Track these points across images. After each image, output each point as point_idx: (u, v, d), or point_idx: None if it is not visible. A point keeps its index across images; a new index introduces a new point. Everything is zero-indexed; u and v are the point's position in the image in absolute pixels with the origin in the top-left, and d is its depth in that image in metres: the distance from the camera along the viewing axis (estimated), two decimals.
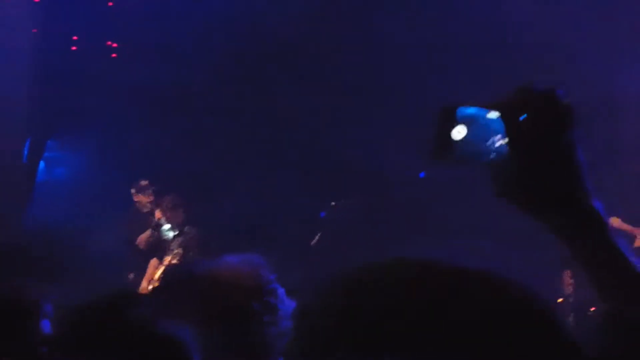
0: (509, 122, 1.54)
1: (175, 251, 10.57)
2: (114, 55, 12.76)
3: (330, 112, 12.54)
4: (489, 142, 1.57)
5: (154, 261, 10.47)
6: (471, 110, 1.58)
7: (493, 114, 1.56)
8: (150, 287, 9.91)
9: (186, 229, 10.69)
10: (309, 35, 12.72)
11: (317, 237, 11.27)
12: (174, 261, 10.34)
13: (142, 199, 10.92)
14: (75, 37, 12.49)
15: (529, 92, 1.55)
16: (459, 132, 1.57)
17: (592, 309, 9.70)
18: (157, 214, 10.78)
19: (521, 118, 1.54)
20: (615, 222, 11.32)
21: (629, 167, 12.56)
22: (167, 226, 10.64)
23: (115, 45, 12.79)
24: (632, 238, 11.73)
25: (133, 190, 10.95)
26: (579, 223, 1.57)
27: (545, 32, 12.17)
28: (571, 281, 10.46)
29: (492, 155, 1.57)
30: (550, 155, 1.55)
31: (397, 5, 12.76)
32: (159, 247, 10.67)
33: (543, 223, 1.59)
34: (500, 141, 1.56)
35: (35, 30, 11.93)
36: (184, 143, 12.51)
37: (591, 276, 1.58)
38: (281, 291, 2.66)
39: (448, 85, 10.83)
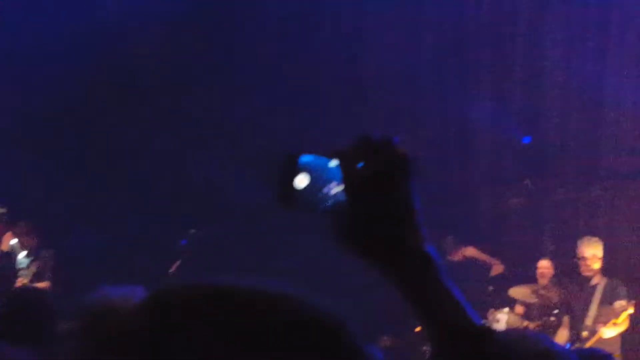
0: (345, 170, 1.59)
1: (29, 276, 10.55)
2: None
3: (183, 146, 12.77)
4: (328, 190, 1.62)
5: None
6: (312, 158, 1.63)
7: (333, 162, 1.61)
8: None
9: (41, 253, 10.75)
10: (149, 68, 12.80)
11: (176, 265, 11.42)
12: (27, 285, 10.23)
13: None
14: None
15: (366, 140, 1.59)
16: (300, 181, 1.62)
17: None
18: (7, 238, 10.74)
19: (358, 166, 1.58)
20: (470, 251, 11.75)
21: (484, 203, 13.62)
22: (22, 252, 10.60)
23: None
24: (489, 267, 12.49)
25: None
26: (411, 268, 1.60)
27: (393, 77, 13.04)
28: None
29: (331, 202, 1.62)
30: (385, 203, 1.58)
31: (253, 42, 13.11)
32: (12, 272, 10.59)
33: (377, 268, 1.61)
34: (337, 188, 1.61)
35: None
36: (40, 168, 12.40)
37: (422, 322, 1.62)
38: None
39: (296, 132, 11.38)
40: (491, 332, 1.64)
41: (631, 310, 10.02)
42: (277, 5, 13.62)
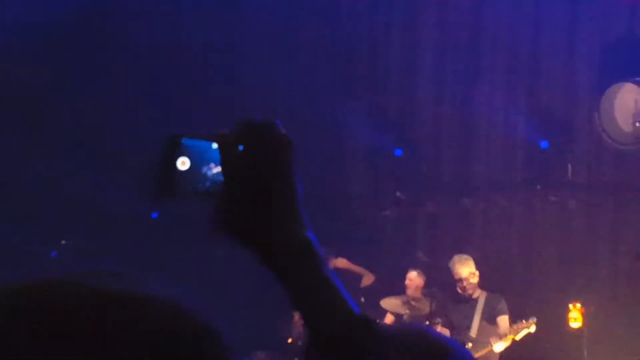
0: (225, 153, 1.55)
1: None
2: None
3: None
4: (207, 172, 1.59)
5: None
6: (194, 142, 1.59)
7: (214, 145, 1.58)
8: None
9: None
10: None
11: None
12: None
13: None
14: None
15: (246, 123, 1.56)
16: (182, 164, 1.59)
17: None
18: None
19: (239, 149, 1.54)
20: (342, 262, 11.84)
21: (358, 214, 13.69)
22: None
23: None
24: (360, 278, 12.49)
25: None
26: (289, 253, 1.55)
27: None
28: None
29: (210, 185, 1.59)
30: (265, 186, 1.54)
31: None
32: None
33: (256, 253, 1.55)
34: (217, 171, 1.57)
35: None
36: None
37: (299, 309, 1.57)
38: None
39: (168, 118, 11.38)
40: (372, 320, 1.59)
41: (533, 329, 10.14)
42: None
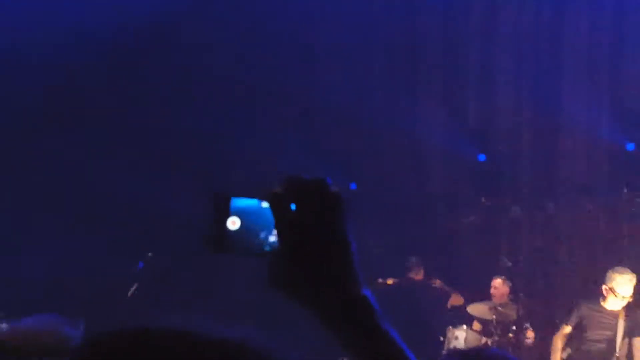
0: (277, 213, 1.54)
1: None
2: None
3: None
4: (262, 234, 1.58)
5: None
6: (244, 201, 1.60)
7: (265, 205, 1.57)
8: None
9: None
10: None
11: (134, 288, 11.21)
12: None
13: None
14: None
15: (297, 181, 1.55)
16: (233, 223, 1.59)
17: None
18: None
19: (292, 208, 1.53)
20: (438, 282, 11.55)
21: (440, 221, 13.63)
22: None
23: None
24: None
25: None
26: (347, 313, 1.55)
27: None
28: None
29: (265, 246, 1.58)
30: (320, 245, 1.53)
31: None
32: None
33: (315, 313, 1.55)
34: (270, 231, 1.57)
35: None
36: None
37: None
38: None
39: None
40: None
41: None
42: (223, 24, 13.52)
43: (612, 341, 9.72)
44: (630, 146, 12.56)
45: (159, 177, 12.28)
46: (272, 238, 1.57)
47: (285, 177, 1.56)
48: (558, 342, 9.94)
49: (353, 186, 13.97)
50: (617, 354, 9.71)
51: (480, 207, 13.60)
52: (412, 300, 11.83)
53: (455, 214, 13.77)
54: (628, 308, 9.74)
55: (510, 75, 13.39)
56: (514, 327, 10.92)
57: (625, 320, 9.73)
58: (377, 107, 13.37)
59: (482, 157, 13.53)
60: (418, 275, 12.45)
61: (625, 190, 12.68)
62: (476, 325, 11.54)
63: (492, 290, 11.48)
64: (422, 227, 13.67)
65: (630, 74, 12.66)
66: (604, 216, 12.96)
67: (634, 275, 9.68)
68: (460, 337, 11.13)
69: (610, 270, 9.77)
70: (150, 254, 11.53)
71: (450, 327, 11.29)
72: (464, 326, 11.38)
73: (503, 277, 11.57)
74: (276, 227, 1.55)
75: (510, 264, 11.88)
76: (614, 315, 9.74)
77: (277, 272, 1.55)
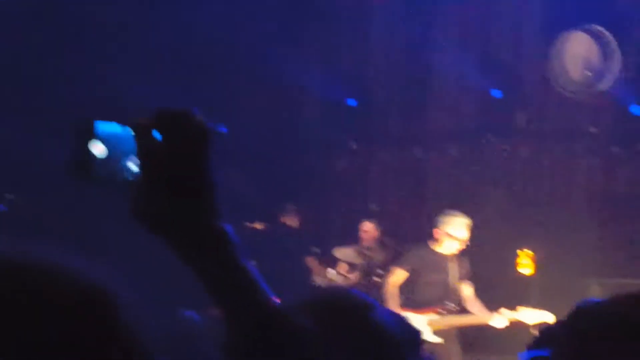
0: (141, 141, 1.53)
1: None
2: None
3: None
4: (126, 161, 1.55)
5: None
6: (109, 126, 1.56)
7: (129, 132, 1.55)
8: None
9: None
10: None
11: None
12: None
13: None
14: None
15: (163, 111, 1.54)
16: (97, 148, 1.55)
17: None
18: None
19: (156, 137, 1.52)
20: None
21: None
22: None
23: None
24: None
25: None
26: (204, 245, 1.55)
27: None
28: None
29: (128, 175, 1.56)
30: (181, 176, 1.53)
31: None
32: None
33: (170, 244, 1.56)
34: (133, 160, 1.55)
35: None
36: None
37: (215, 301, 1.57)
38: None
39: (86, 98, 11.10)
40: (287, 312, 1.62)
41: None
42: None
43: (445, 284, 9.90)
44: (496, 93, 12.83)
45: (17, 115, 12.02)
46: (135, 166, 1.55)
47: (152, 107, 1.54)
48: (392, 287, 10.04)
49: (223, 129, 13.92)
50: (451, 297, 9.91)
51: (351, 152, 13.76)
52: (281, 246, 11.97)
53: (326, 159, 13.88)
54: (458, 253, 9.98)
55: (382, 22, 13.49)
56: (381, 271, 11.11)
57: (456, 264, 9.98)
58: (252, 50, 13.32)
59: (352, 102, 13.64)
60: (293, 222, 12.56)
61: (489, 136, 13.00)
62: (342, 268, 11.69)
63: (361, 234, 11.62)
64: (294, 171, 13.76)
65: (497, 23, 12.91)
66: (469, 160, 13.24)
67: (468, 218, 9.89)
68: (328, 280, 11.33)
69: (442, 214, 9.95)
70: (10, 196, 11.33)
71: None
72: (330, 270, 11.53)
73: (372, 220, 11.73)
74: (139, 156, 1.54)
75: (378, 208, 12.09)
76: (447, 259, 9.93)
77: (137, 202, 1.54)
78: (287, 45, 13.42)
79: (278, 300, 1.62)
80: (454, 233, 9.78)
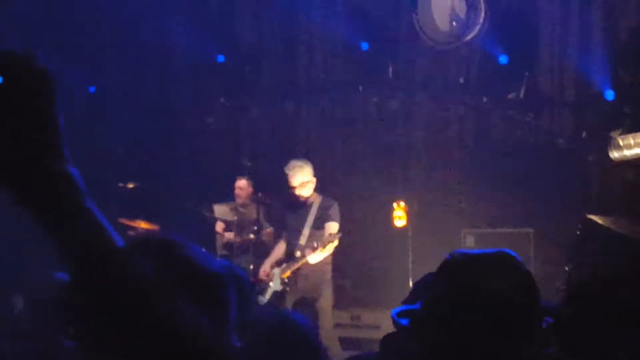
0: None
1: None
2: None
3: None
4: None
5: None
6: None
7: None
8: None
9: None
10: None
11: None
12: None
13: None
14: None
15: (4, 54, 1.50)
16: None
17: None
18: None
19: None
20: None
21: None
22: None
23: None
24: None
25: None
26: (49, 189, 1.53)
27: None
28: None
29: None
30: (24, 120, 1.49)
31: None
32: None
33: (15, 190, 1.51)
34: None
35: None
36: None
37: (61, 245, 1.55)
38: None
39: None
40: (128, 253, 1.62)
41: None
42: None
43: (300, 226, 10.28)
44: (365, 45, 12.85)
45: None
46: None
47: None
48: (278, 247, 10.63)
49: (92, 89, 13.69)
50: (300, 240, 10.21)
51: (221, 108, 13.66)
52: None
53: (197, 115, 13.75)
54: (322, 198, 10.34)
55: None
56: (255, 228, 11.13)
57: (317, 207, 10.26)
58: (120, 5, 13.04)
59: (221, 58, 13.51)
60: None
61: (360, 88, 13.05)
62: (219, 226, 11.66)
63: (236, 191, 11.60)
64: (165, 128, 13.60)
65: None
66: (339, 113, 13.28)
67: (303, 162, 10.34)
68: None
69: (284, 168, 10.36)
70: None
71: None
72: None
73: (246, 177, 11.70)
74: None
75: (250, 164, 12.03)
76: (306, 205, 10.32)
77: None
78: (154, 2, 13.20)
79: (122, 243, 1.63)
80: (291, 181, 10.21)
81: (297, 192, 10.24)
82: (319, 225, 10.24)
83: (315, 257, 9.94)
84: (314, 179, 10.35)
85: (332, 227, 10.11)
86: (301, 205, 10.32)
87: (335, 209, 10.28)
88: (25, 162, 1.51)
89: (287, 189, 10.29)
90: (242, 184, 11.60)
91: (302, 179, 10.23)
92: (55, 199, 1.54)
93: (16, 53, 1.51)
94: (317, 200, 10.34)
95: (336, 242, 9.86)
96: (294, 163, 10.32)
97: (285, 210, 10.53)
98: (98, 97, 13.67)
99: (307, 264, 9.99)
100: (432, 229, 11.55)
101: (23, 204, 1.53)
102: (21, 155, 1.50)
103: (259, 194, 11.30)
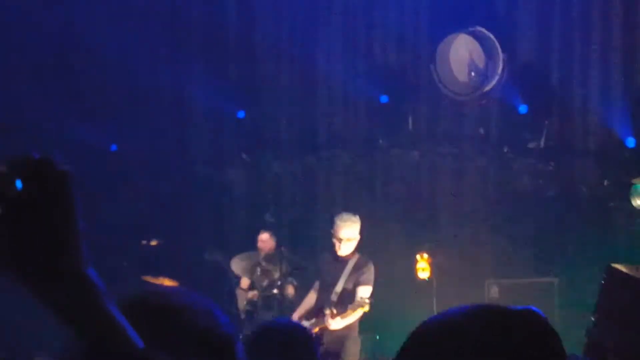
0: (2, 191, 1.48)
1: None
2: None
3: None
4: None
5: None
6: None
7: None
8: None
9: None
10: None
11: None
12: None
13: None
14: None
15: (21, 160, 1.51)
16: None
17: None
18: None
19: (18, 186, 1.49)
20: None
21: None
22: None
23: None
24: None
25: None
26: (68, 293, 1.53)
27: None
28: None
29: None
30: (44, 223, 1.50)
31: None
32: None
33: (34, 293, 1.52)
34: None
35: None
36: None
37: (83, 349, 1.55)
38: None
39: None
40: (154, 356, 1.59)
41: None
42: None
43: (331, 285, 10.04)
44: (384, 98, 12.90)
45: None
46: None
47: (9, 156, 1.51)
48: (308, 298, 10.46)
49: (113, 147, 13.77)
50: (332, 298, 9.99)
51: (242, 163, 13.69)
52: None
53: (218, 170, 13.80)
54: (359, 256, 10.08)
55: (268, 32, 13.47)
56: (279, 283, 11.09)
57: (353, 265, 10.04)
58: (139, 64, 13.16)
59: (241, 114, 13.58)
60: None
61: (380, 142, 13.07)
62: (244, 282, 11.62)
63: (259, 244, 11.59)
64: (187, 184, 13.66)
65: (381, 29, 13.00)
66: (361, 167, 13.29)
67: (356, 218, 10.04)
68: None
69: (334, 218, 10.12)
70: None
71: None
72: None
73: (269, 231, 11.70)
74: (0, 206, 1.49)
75: (272, 219, 12.05)
76: (343, 261, 10.06)
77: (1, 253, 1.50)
78: (175, 59, 13.32)
79: (143, 344, 1.60)
80: (339, 234, 9.92)
81: (342, 245, 9.97)
82: (351, 285, 9.98)
83: (337, 324, 9.75)
84: (359, 237, 10.10)
85: (364, 291, 9.87)
86: (338, 260, 10.07)
87: (369, 270, 10.00)
88: (43, 264, 1.51)
89: (329, 239, 10.12)
90: (264, 237, 11.60)
91: (351, 234, 9.95)
92: (72, 301, 1.54)
93: (34, 157, 1.52)
94: (353, 258, 10.07)
95: (367, 308, 9.68)
96: (347, 216, 10.05)
97: (322, 262, 10.30)
98: (119, 155, 13.75)
99: None
100: (455, 280, 11.48)
101: (43, 304, 1.53)
102: (39, 257, 1.51)
103: (282, 248, 11.29)
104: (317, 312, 10.09)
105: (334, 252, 10.06)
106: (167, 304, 2.05)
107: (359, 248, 10.16)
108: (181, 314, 2.04)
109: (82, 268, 1.55)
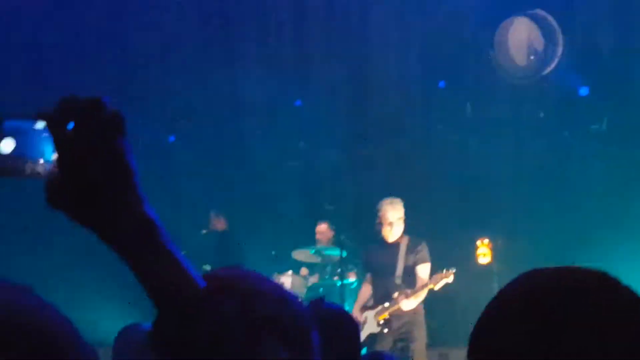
0: (54, 133, 1.50)
1: None
2: None
3: None
4: (37, 154, 1.52)
5: None
6: (17, 122, 1.53)
7: (40, 125, 1.52)
8: None
9: None
10: None
11: None
12: None
13: None
14: None
15: (73, 101, 1.51)
16: (6, 145, 1.52)
17: None
18: None
19: (68, 127, 1.50)
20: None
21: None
22: None
23: None
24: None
25: None
26: (131, 232, 1.54)
27: None
28: None
29: (43, 167, 1.52)
30: (99, 165, 1.51)
31: None
32: None
33: (97, 233, 1.54)
34: (47, 152, 1.51)
35: None
36: None
37: (145, 287, 1.56)
38: None
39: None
40: (215, 297, 1.62)
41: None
42: None
43: (392, 267, 10.02)
44: (442, 84, 12.81)
45: None
46: (49, 159, 1.52)
47: (61, 97, 1.51)
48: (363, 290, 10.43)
49: (172, 138, 13.86)
50: (395, 281, 9.97)
51: (300, 152, 13.69)
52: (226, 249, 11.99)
53: (276, 159, 13.80)
54: (409, 238, 10.12)
55: (321, 19, 13.44)
56: (339, 270, 11.07)
57: (406, 248, 10.02)
58: (196, 58, 13.24)
59: (298, 102, 13.59)
60: (220, 224, 12.62)
61: (438, 128, 12.98)
62: (303, 271, 11.64)
63: (317, 236, 11.60)
64: (244, 174, 13.68)
65: (437, 12, 12.88)
66: (419, 153, 13.20)
67: (398, 199, 10.16)
68: (286, 282, 11.21)
69: (378, 206, 10.15)
70: None
71: (276, 273, 11.36)
72: (290, 271, 11.48)
73: (327, 221, 11.69)
74: (53, 147, 1.51)
75: (332, 207, 12.01)
76: (395, 245, 10.08)
77: (56, 193, 1.52)
78: (230, 49, 13.35)
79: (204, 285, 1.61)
80: (385, 217, 10.00)
81: (392, 229, 10.01)
82: (410, 267, 10.02)
83: (409, 304, 9.81)
84: (404, 218, 10.16)
85: (423, 270, 9.96)
86: (389, 246, 10.10)
87: (424, 249, 10.08)
88: (104, 207, 1.52)
89: (372, 229, 10.17)
90: (322, 229, 11.60)
91: (398, 215, 10.04)
92: (137, 243, 1.54)
93: (83, 99, 1.52)
94: (404, 241, 10.12)
95: (451, 279, 9.79)
96: (387, 200, 10.14)
97: (371, 252, 10.32)
98: (177, 146, 13.82)
99: None
100: (517, 265, 11.34)
101: (106, 244, 1.54)
102: (99, 200, 1.51)
103: (342, 236, 11.26)
104: (380, 299, 10.05)
105: (382, 240, 10.10)
106: (251, 288, 2.00)
107: (409, 232, 10.21)
108: (259, 299, 1.99)
109: (140, 205, 1.55)
